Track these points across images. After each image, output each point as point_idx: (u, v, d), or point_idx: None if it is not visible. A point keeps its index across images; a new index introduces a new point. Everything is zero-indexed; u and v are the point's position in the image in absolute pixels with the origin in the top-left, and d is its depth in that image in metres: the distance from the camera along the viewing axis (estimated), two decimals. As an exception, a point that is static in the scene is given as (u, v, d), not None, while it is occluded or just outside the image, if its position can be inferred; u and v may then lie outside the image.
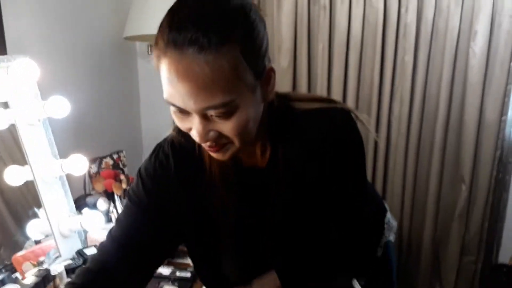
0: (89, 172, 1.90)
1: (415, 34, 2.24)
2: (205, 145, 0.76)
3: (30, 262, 1.46)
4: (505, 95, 2.22)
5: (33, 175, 1.44)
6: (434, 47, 2.27)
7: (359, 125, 0.90)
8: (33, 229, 1.51)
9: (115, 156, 2.08)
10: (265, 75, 0.75)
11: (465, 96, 2.26)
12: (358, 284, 1.17)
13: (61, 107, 1.48)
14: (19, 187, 1.48)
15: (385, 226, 1.27)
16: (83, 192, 1.88)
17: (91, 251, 1.54)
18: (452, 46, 2.20)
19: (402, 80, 2.33)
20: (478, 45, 2.16)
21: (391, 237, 1.28)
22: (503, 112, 2.25)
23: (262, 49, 0.72)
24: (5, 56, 1.37)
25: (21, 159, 1.47)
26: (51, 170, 1.49)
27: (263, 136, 0.85)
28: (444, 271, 2.56)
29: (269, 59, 0.76)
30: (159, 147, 0.93)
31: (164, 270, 1.62)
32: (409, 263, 2.63)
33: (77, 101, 1.65)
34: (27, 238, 1.55)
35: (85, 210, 1.63)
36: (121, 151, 2.14)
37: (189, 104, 0.68)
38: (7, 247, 1.51)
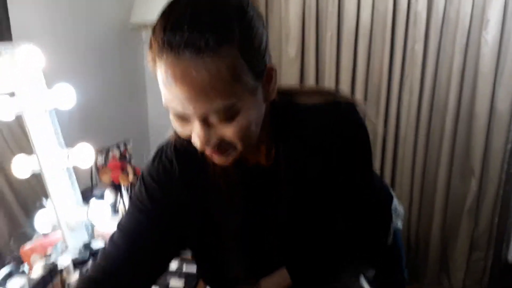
0: (95, 163, 1.88)
1: (426, 22, 2.21)
2: (207, 151, 0.74)
3: (38, 255, 1.46)
4: (517, 86, 2.18)
5: (40, 165, 1.43)
6: (445, 35, 2.23)
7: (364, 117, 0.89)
8: (41, 220, 1.50)
9: (121, 147, 2.07)
10: (266, 74, 0.72)
11: (476, 86, 2.23)
12: (366, 283, 1.17)
13: (67, 95, 1.46)
14: (28, 179, 1.47)
15: (393, 213, 1.26)
16: (90, 184, 1.87)
17: (98, 244, 1.53)
18: (464, 35, 2.16)
19: (412, 69, 2.30)
20: (490, 33, 2.12)
21: (399, 224, 1.28)
22: (515, 103, 2.21)
23: (261, 47, 0.70)
24: (10, 43, 1.35)
25: (29, 150, 1.45)
26: (57, 160, 1.47)
27: (267, 135, 0.83)
28: (452, 267, 2.54)
29: (269, 58, 0.73)
30: (161, 151, 0.90)
31: (171, 265, 1.61)
32: (417, 258, 2.61)
33: (83, 90, 1.63)
34: (36, 230, 1.54)
35: (92, 200, 1.62)
36: (128, 142, 2.12)
37: (188, 109, 0.65)
38: (17, 238, 1.50)
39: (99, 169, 1.89)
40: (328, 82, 2.39)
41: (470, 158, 2.34)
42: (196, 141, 0.70)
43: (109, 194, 1.71)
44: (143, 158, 0.85)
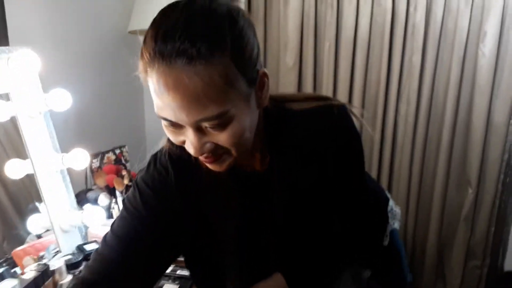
0: (91, 166, 1.89)
1: (424, 34, 2.22)
2: (201, 157, 0.74)
3: (31, 257, 1.45)
4: (514, 98, 2.19)
5: (34, 169, 1.43)
6: (442, 47, 2.24)
7: (354, 120, 0.90)
8: (34, 223, 1.49)
9: (117, 151, 2.07)
10: (259, 81, 0.73)
11: (473, 98, 2.24)
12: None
13: (62, 100, 1.46)
14: (23, 180, 1.47)
15: (389, 214, 1.26)
16: (85, 187, 1.87)
17: (91, 247, 1.52)
18: (461, 47, 2.18)
19: (409, 80, 2.31)
20: (488, 46, 2.14)
21: (396, 225, 1.28)
22: (511, 115, 2.22)
23: (253, 55, 0.70)
24: (6, 47, 1.36)
25: (24, 152, 1.45)
26: (51, 164, 1.47)
27: (260, 141, 0.83)
28: (448, 275, 2.53)
29: (261, 65, 0.74)
30: (155, 158, 0.90)
31: (165, 268, 1.60)
32: (413, 266, 2.60)
33: (80, 94, 1.63)
34: (29, 232, 1.53)
35: (87, 206, 1.62)
36: (124, 146, 2.13)
37: (181, 117, 0.65)
38: (10, 240, 1.50)
39: (94, 172, 1.90)
40: (326, 92, 2.40)
41: (466, 168, 2.34)
42: (190, 148, 0.70)
43: (103, 198, 1.71)
44: (139, 163, 0.86)
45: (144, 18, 2.05)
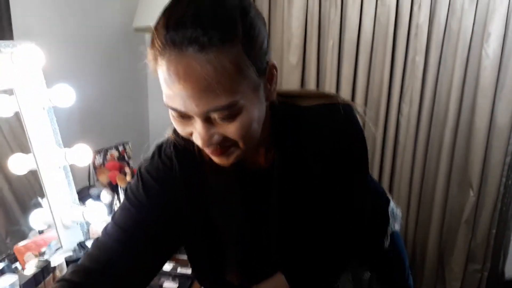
0: (93, 163, 1.88)
1: (427, 35, 2.22)
2: (208, 150, 0.73)
3: (32, 253, 1.45)
4: (517, 100, 2.18)
5: (37, 164, 1.43)
6: (446, 48, 2.24)
7: (359, 119, 0.89)
8: (36, 219, 1.49)
9: (120, 148, 2.07)
10: (268, 72, 0.72)
11: (476, 99, 2.23)
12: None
13: (66, 95, 1.46)
14: (26, 176, 1.47)
15: (390, 216, 1.26)
16: (87, 183, 1.86)
17: (93, 243, 1.52)
18: (465, 48, 2.17)
19: (412, 80, 2.31)
20: (491, 47, 2.13)
21: (397, 227, 1.27)
22: (514, 117, 2.21)
23: (263, 45, 0.69)
24: (10, 41, 1.36)
25: (28, 147, 1.45)
26: (54, 159, 1.47)
27: (266, 136, 0.82)
28: (448, 278, 2.53)
29: (270, 57, 0.73)
30: (160, 148, 0.89)
31: (166, 266, 1.60)
32: (413, 269, 2.59)
33: (84, 90, 1.63)
34: (31, 228, 1.53)
35: (89, 202, 1.62)
36: (127, 143, 2.12)
37: (191, 107, 0.64)
38: (13, 235, 1.50)
39: (96, 168, 1.89)
40: (329, 91, 2.39)
41: (468, 170, 2.34)
42: (198, 140, 0.70)
43: (105, 194, 1.71)
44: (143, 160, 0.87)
45: (149, 15, 2.05)
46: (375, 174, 2.47)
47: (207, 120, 0.67)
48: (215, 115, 0.66)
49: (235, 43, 0.63)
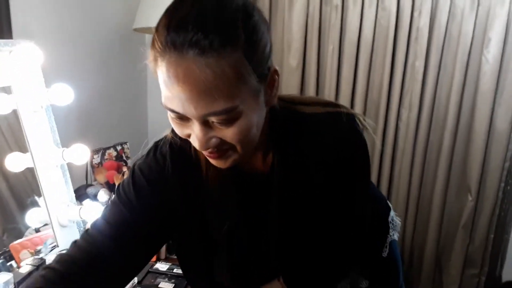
0: (91, 162, 1.89)
1: (427, 39, 2.22)
2: (206, 152, 0.72)
3: (28, 251, 1.45)
4: (517, 105, 2.18)
5: (34, 162, 1.43)
6: (446, 52, 2.24)
7: (363, 130, 0.88)
8: (33, 217, 1.50)
9: (118, 148, 2.07)
10: (269, 78, 0.72)
11: (475, 104, 2.23)
12: None
13: (64, 94, 1.46)
14: (24, 174, 1.47)
15: (390, 225, 1.25)
16: (85, 182, 1.87)
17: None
18: (465, 53, 2.17)
19: (412, 85, 2.31)
20: (492, 52, 2.13)
21: (395, 236, 1.27)
22: (514, 122, 2.21)
23: (265, 51, 0.69)
24: (9, 40, 1.36)
25: (26, 145, 1.45)
26: (51, 158, 1.48)
27: (264, 141, 0.82)
28: (446, 282, 2.52)
29: (272, 62, 0.72)
30: (156, 146, 0.89)
31: (161, 266, 1.60)
32: (411, 273, 2.59)
33: (83, 90, 1.64)
34: (28, 226, 1.54)
35: (86, 201, 1.62)
36: (125, 143, 2.13)
37: (189, 110, 0.64)
38: (10, 233, 1.50)
39: (94, 168, 1.90)
40: (328, 94, 2.40)
41: (467, 175, 2.33)
42: (195, 142, 0.69)
43: (103, 194, 1.71)
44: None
45: (149, 16, 2.05)
46: (373, 178, 2.46)
47: (205, 123, 0.67)
48: (213, 119, 0.66)
49: (236, 48, 0.62)
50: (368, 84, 2.38)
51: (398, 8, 2.22)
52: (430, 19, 2.19)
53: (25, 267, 1.34)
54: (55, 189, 1.50)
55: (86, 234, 0.84)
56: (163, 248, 1.70)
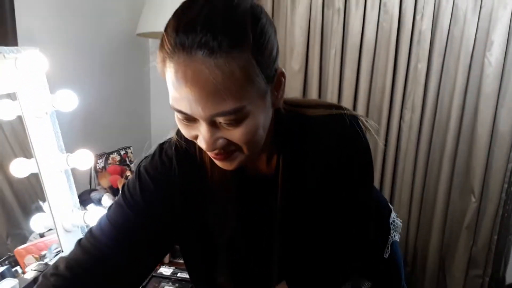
0: (95, 167, 1.90)
1: (430, 42, 2.22)
2: (212, 153, 0.73)
3: (33, 256, 1.46)
4: (520, 107, 2.18)
5: (38, 168, 1.44)
6: (448, 55, 2.24)
7: (366, 131, 0.89)
8: (37, 222, 1.50)
9: (122, 152, 2.08)
10: (276, 79, 0.72)
11: (478, 106, 2.23)
12: None
13: (68, 100, 1.47)
14: (29, 179, 1.48)
15: (391, 226, 1.26)
16: (89, 187, 1.87)
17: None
18: (467, 55, 2.17)
19: (415, 87, 2.31)
20: (494, 55, 2.13)
21: (396, 237, 1.27)
22: (516, 124, 2.21)
23: (273, 53, 0.70)
24: (15, 47, 1.37)
25: (30, 151, 1.46)
26: (56, 164, 1.48)
27: (269, 143, 0.82)
28: (449, 284, 2.52)
29: (278, 64, 0.73)
30: (161, 148, 0.89)
31: (165, 270, 1.61)
32: (414, 274, 2.59)
33: (87, 95, 1.65)
34: (32, 231, 1.54)
35: (90, 206, 1.63)
36: (129, 147, 2.14)
37: (197, 110, 0.64)
38: (14, 238, 1.51)
39: (98, 172, 1.90)
40: (331, 97, 2.40)
41: (470, 176, 2.33)
42: (202, 143, 0.70)
43: (107, 198, 1.71)
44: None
45: (153, 21, 2.06)
46: (376, 180, 2.46)
47: (213, 124, 0.67)
48: (220, 120, 0.66)
49: (245, 50, 0.63)
50: (371, 87, 2.38)
51: (400, 11, 2.22)
52: (433, 22, 2.19)
53: (30, 273, 1.35)
54: (60, 194, 1.51)
55: (90, 236, 0.84)
56: (167, 252, 1.71)
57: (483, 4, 2.11)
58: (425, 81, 2.28)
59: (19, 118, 1.42)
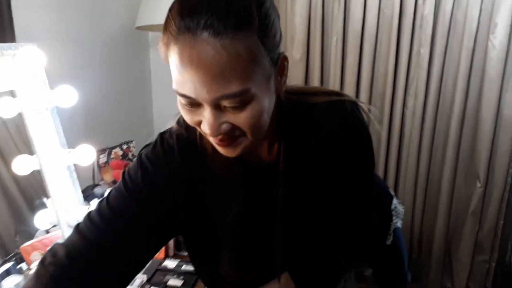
0: (98, 162, 1.90)
1: (432, 26, 2.19)
2: (216, 140, 0.72)
3: (38, 252, 1.47)
4: (525, 91, 2.15)
5: (40, 165, 1.44)
6: (451, 39, 2.21)
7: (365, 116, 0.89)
8: (41, 219, 1.51)
9: (124, 147, 2.08)
10: (280, 64, 0.72)
11: (482, 91, 2.20)
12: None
13: (68, 96, 1.47)
14: (35, 176, 1.48)
15: (393, 213, 1.26)
16: (92, 182, 1.88)
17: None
18: (471, 39, 2.14)
19: (417, 73, 2.28)
20: (498, 38, 2.10)
21: (399, 223, 1.27)
22: (522, 108, 2.18)
23: (277, 36, 0.69)
24: (12, 44, 1.36)
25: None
26: (58, 160, 1.48)
27: (270, 130, 0.81)
28: (456, 269, 2.51)
29: (281, 49, 0.73)
30: (162, 137, 0.89)
31: (170, 263, 1.62)
32: (420, 261, 2.59)
33: (88, 90, 1.64)
34: (37, 228, 1.55)
35: (94, 201, 1.63)
36: (131, 142, 2.14)
37: (201, 93, 0.63)
38: (22, 235, 1.52)
39: (101, 167, 1.91)
40: (333, 85, 2.39)
41: (475, 161, 2.31)
42: (206, 128, 0.68)
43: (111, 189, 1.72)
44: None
45: (152, 14, 2.04)
46: (380, 167, 2.45)
47: (217, 108, 0.66)
48: (225, 103, 0.65)
49: (251, 31, 0.62)
50: (373, 74, 2.35)
51: (402, -5, 2.19)
52: (435, 5, 2.16)
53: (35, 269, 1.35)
54: (63, 190, 1.51)
55: (89, 221, 0.82)
56: (172, 245, 1.71)
57: (486, -14, 2.07)
58: (428, 66, 2.25)
59: (20, 115, 1.42)
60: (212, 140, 0.73)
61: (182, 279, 1.54)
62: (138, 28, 2.18)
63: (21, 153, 1.47)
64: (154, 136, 0.92)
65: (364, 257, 1.20)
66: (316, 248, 0.94)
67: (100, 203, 0.85)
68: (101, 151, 1.92)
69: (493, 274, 2.46)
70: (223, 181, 0.86)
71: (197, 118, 0.70)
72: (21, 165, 1.44)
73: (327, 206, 0.90)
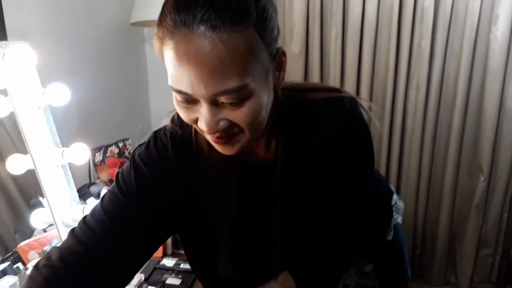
0: (93, 160, 1.88)
1: (433, 18, 2.16)
2: (213, 137, 0.70)
3: (35, 251, 1.46)
4: (528, 82, 2.13)
5: (34, 164, 1.42)
6: (452, 31, 2.18)
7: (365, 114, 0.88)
8: (37, 218, 1.50)
9: (120, 145, 2.06)
10: (278, 59, 0.70)
11: (485, 83, 2.18)
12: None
13: (61, 94, 1.45)
14: (33, 174, 1.47)
15: (393, 208, 1.25)
16: (88, 181, 1.86)
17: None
18: (472, 31, 2.11)
19: (419, 66, 2.26)
20: (500, 29, 2.08)
21: (399, 219, 1.26)
22: (525, 100, 2.16)
23: (275, 30, 0.68)
24: (2, 42, 1.34)
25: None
26: (52, 159, 1.47)
27: (268, 128, 0.79)
28: (460, 263, 2.50)
29: (279, 43, 0.71)
30: (155, 136, 0.87)
31: (168, 262, 1.60)
32: (424, 255, 2.58)
33: (82, 88, 1.62)
34: (33, 227, 1.54)
35: (90, 200, 1.62)
36: (127, 139, 2.12)
37: (199, 89, 0.62)
38: (22, 234, 1.51)
39: (97, 166, 1.89)
40: (333, 80, 2.36)
41: (478, 155, 2.30)
42: (203, 125, 0.67)
43: (106, 191, 1.70)
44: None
45: (147, 9, 2.02)
46: (383, 162, 2.43)
47: (214, 104, 0.65)
48: (223, 99, 0.63)
49: (249, 25, 0.61)
50: (374, 67, 2.33)
51: (402, -13, 2.15)
52: (435, -3, 2.13)
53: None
54: (58, 190, 1.49)
55: (84, 225, 0.81)
56: (170, 244, 1.70)
57: (487, -23, 2.04)
58: (430, 59, 2.23)
59: (13, 114, 1.41)
60: (209, 137, 0.72)
61: (180, 277, 1.52)
62: (133, 24, 2.16)
63: (19, 151, 1.46)
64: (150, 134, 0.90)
65: (365, 254, 1.19)
66: (315, 246, 0.94)
67: (94, 207, 0.84)
68: (96, 150, 1.90)
69: (497, 268, 2.45)
70: (219, 180, 0.84)
71: (193, 115, 0.68)
72: (15, 165, 1.43)
73: (326, 204, 0.89)
